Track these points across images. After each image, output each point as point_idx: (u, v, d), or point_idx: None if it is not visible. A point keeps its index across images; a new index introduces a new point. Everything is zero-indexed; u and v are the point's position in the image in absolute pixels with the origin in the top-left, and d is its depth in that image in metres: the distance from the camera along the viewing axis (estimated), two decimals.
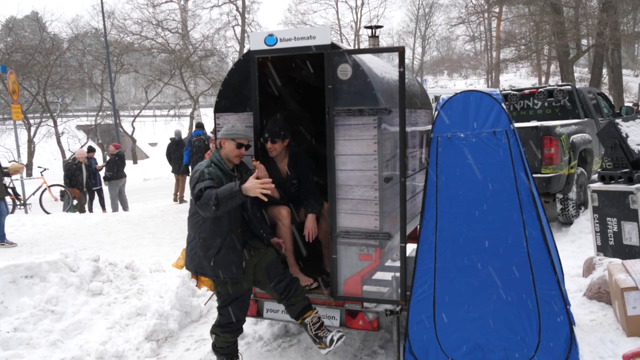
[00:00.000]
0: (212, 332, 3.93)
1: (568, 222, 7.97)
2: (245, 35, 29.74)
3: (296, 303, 3.80)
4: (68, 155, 25.17)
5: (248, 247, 3.80)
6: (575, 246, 6.93)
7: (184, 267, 5.79)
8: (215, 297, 3.94)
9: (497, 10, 32.09)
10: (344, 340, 3.79)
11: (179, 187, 13.39)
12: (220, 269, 3.64)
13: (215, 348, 3.95)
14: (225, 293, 3.78)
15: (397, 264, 3.76)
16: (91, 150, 13.53)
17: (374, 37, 4.72)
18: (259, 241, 3.85)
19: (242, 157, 3.80)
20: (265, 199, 3.53)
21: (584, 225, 7.47)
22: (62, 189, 12.96)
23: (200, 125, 13.36)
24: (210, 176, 3.54)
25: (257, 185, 3.44)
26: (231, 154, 3.73)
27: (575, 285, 5.12)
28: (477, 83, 45.07)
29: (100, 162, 15.89)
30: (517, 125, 5.53)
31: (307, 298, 3.87)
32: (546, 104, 9.51)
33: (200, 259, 3.67)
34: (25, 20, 30.19)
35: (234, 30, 31.20)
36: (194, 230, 3.72)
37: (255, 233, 3.85)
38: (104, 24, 21.85)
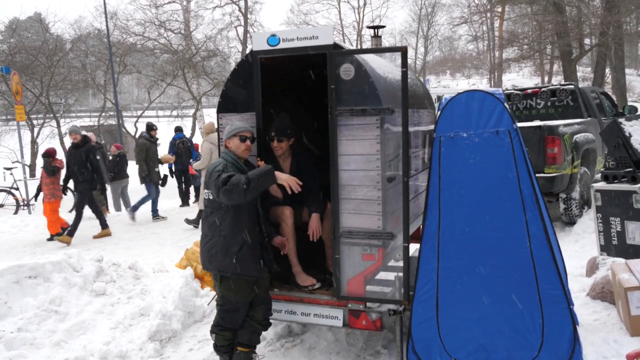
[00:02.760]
0: (212, 331, 3.95)
1: (571, 222, 7.95)
2: (248, 35, 29.74)
3: (257, 334, 4.00)
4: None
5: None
6: (579, 246, 6.92)
7: (187, 268, 5.82)
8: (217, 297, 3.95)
9: (499, 9, 32.04)
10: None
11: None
12: (242, 266, 3.67)
13: (217, 347, 3.97)
14: (230, 299, 3.79)
15: (400, 263, 3.76)
16: None
17: (376, 37, 4.72)
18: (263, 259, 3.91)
19: (250, 150, 3.85)
20: (294, 190, 3.74)
21: (587, 224, 7.45)
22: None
23: (179, 129, 13.76)
24: (233, 169, 3.62)
25: (291, 178, 3.72)
26: (238, 149, 3.78)
27: (578, 285, 5.11)
28: (480, 83, 44.97)
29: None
30: (520, 124, 5.52)
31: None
32: (549, 103, 9.50)
33: (222, 257, 3.68)
34: (28, 22, 30.19)
35: (237, 31, 31.20)
36: (212, 229, 3.73)
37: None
38: (107, 25, 21.86)
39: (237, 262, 3.66)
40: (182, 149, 13.00)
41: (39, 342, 4.60)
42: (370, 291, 3.91)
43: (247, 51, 4.20)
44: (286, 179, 3.72)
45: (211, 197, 3.68)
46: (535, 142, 7.43)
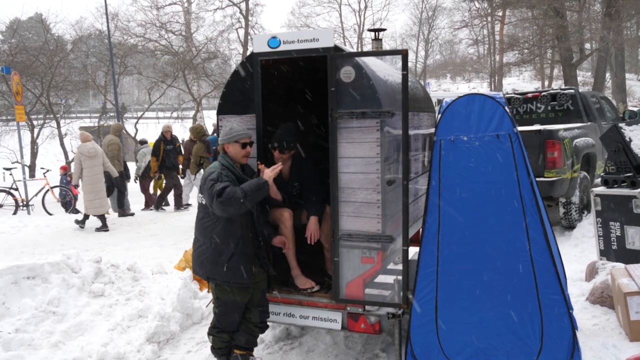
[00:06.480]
0: (209, 333, 3.95)
1: (571, 226, 7.95)
2: (249, 37, 29.76)
3: (254, 336, 3.99)
4: (71, 156, 25.24)
5: (256, 261, 3.84)
6: (578, 250, 6.91)
7: (185, 270, 5.81)
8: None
9: (500, 13, 32.06)
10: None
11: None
12: (232, 274, 3.65)
13: (214, 350, 3.96)
14: (226, 301, 3.78)
15: (400, 267, 3.75)
16: None
17: (377, 40, 4.72)
18: (259, 263, 3.89)
19: (249, 156, 3.83)
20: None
21: (587, 229, 7.45)
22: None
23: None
24: (227, 178, 3.60)
25: (268, 173, 3.66)
26: (238, 155, 3.76)
27: (578, 289, 5.10)
28: (480, 86, 44.97)
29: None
30: (520, 128, 5.52)
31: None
32: (549, 107, 9.50)
33: (212, 264, 3.67)
34: (29, 22, 30.23)
35: (238, 33, 31.24)
36: (204, 234, 3.71)
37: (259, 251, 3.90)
38: (108, 26, 21.86)
39: (228, 271, 3.65)
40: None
41: (37, 343, 4.58)
42: (369, 294, 3.90)
43: (248, 53, 4.19)
44: (271, 175, 3.70)
45: (204, 202, 3.67)
46: (535, 146, 7.43)
